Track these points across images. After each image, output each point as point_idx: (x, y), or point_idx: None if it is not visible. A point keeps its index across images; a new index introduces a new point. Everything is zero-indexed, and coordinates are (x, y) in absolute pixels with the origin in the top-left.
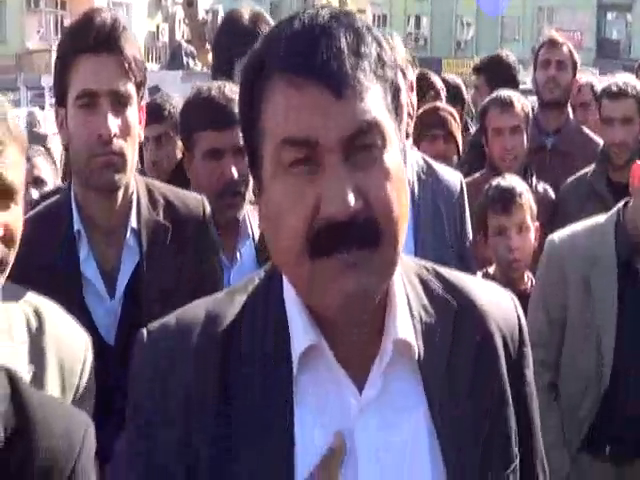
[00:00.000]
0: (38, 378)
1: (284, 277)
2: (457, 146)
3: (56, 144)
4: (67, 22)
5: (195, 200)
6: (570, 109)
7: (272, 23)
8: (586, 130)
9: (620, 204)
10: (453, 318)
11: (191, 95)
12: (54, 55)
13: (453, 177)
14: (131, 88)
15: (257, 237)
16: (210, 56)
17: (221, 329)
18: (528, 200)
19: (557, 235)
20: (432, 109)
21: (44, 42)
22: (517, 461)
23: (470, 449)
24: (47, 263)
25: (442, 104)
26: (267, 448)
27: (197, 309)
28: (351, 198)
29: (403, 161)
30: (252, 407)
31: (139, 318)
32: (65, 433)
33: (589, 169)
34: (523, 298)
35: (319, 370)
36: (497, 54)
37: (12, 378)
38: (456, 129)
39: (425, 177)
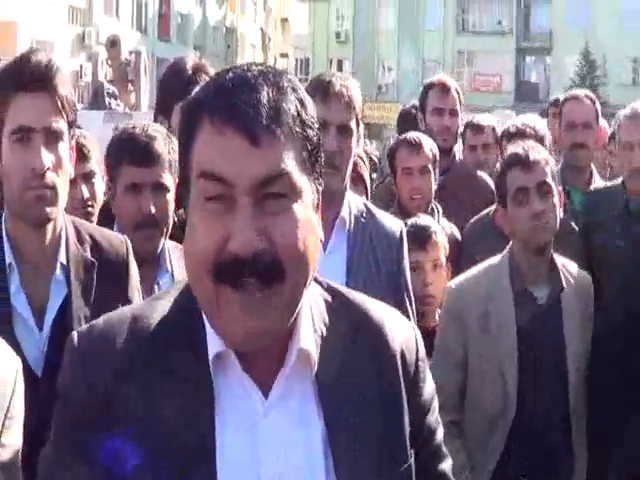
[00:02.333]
0: None
1: None
2: (365, 188)
3: None
4: None
5: (118, 239)
6: (458, 150)
7: (211, 72)
8: (473, 170)
9: (511, 242)
10: (352, 332)
11: (118, 132)
12: None
13: (393, 224)
14: (63, 125)
15: (176, 272)
16: (132, 96)
17: (144, 329)
18: (442, 239)
19: (454, 281)
20: None
21: None
22: (412, 460)
23: (363, 453)
24: None
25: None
26: (189, 447)
27: (123, 312)
28: (255, 239)
29: (342, 204)
30: (173, 406)
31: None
32: None
33: (491, 209)
34: (431, 335)
35: (229, 374)
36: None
37: None
38: (364, 171)
39: (364, 221)
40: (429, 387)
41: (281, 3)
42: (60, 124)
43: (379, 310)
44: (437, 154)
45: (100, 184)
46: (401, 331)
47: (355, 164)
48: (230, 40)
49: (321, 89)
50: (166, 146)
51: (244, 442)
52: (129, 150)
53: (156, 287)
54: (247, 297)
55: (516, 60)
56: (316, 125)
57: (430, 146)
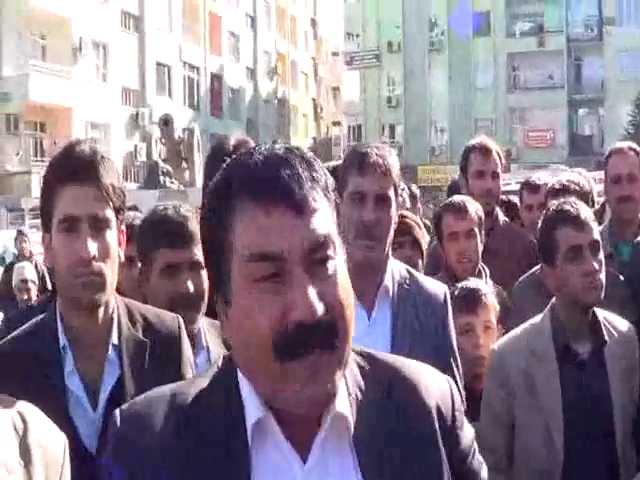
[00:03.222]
0: (27, 473)
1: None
2: (421, 252)
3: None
4: (46, 144)
5: (170, 317)
6: (498, 209)
7: None
8: (516, 229)
9: (554, 299)
10: (385, 394)
11: (148, 214)
12: (34, 177)
13: (437, 288)
14: (109, 213)
15: (212, 349)
16: (186, 174)
17: (183, 405)
18: (493, 300)
19: (497, 343)
20: (398, 217)
21: (23, 164)
22: None
23: None
24: (34, 375)
25: (407, 212)
26: None
27: (163, 390)
28: (317, 304)
29: (385, 273)
30: (212, 472)
31: None
32: None
33: (537, 268)
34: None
35: (268, 442)
36: None
37: None
38: (421, 236)
39: (408, 287)
40: (468, 432)
41: (332, 72)
42: (106, 212)
43: (411, 368)
44: (482, 216)
45: None
46: (435, 385)
47: (411, 228)
48: (282, 112)
49: (357, 161)
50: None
51: None
52: (164, 232)
53: (194, 366)
54: (313, 364)
55: (568, 113)
56: (334, 188)
57: (475, 209)
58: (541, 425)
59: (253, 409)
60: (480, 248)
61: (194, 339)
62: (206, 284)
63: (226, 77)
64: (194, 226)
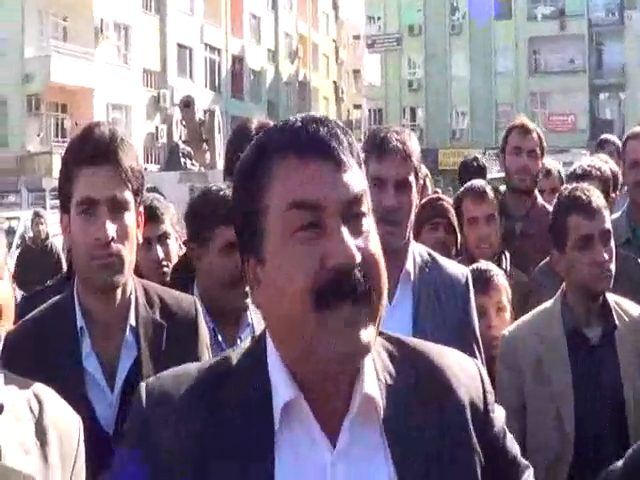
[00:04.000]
0: (43, 453)
1: (268, 341)
2: (456, 236)
3: (57, 243)
4: (67, 125)
5: (188, 300)
6: (537, 193)
7: None
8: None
9: (564, 284)
10: (415, 380)
11: (204, 192)
12: (55, 158)
13: (458, 270)
14: (128, 195)
15: (256, 327)
16: (207, 155)
17: (209, 382)
18: (504, 282)
19: (508, 329)
20: (435, 199)
21: (45, 145)
22: None
23: None
24: (51, 357)
25: (443, 196)
26: None
27: (189, 367)
28: (355, 251)
29: (407, 257)
30: (234, 457)
31: None
32: None
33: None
34: None
35: (295, 424)
36: None
37: None
38: (455, 222)
39: (428, 270)
40: (499, 414)
41: (353, 55)
42: (125, 194)
43: (439, 352)
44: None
45: (174, 245)
46: (464, 369)
47: (447, 211)
48: (303, 94)
49: (377, 146)
50: None
51: None
52: (225, 211)
53: (238, 341)
54: (350, 315)
55: (590, 98)
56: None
57: (494, 194)
58: (552, 409)
59: (283, 389)
60: (499, 232)
61: (242, 315)
62: None
63: (247, 59)
64: None
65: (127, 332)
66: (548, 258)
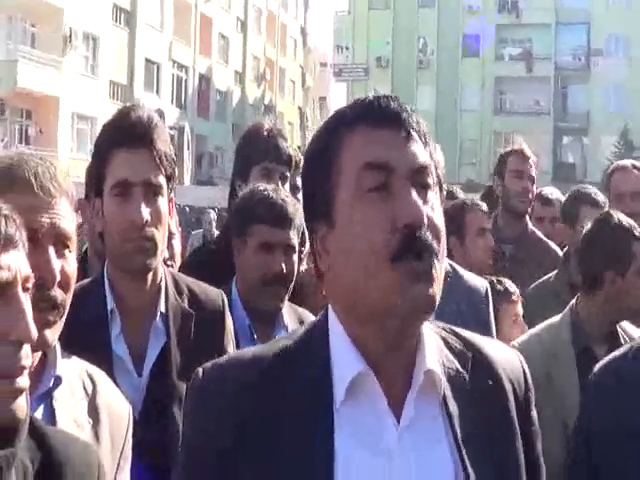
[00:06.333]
0: (95, 431)
1: (330, 318)
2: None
3: None
4: (31, 132)
5: (215, 292)
6: (527, 218)
7: (286, 136)
8: (544, 239)
9: (573, 301)
10: (469, 366)
11: (247, 192)
12: None
13: (478, 282)
14: (162, 180)
15: (290, 328)
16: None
17: (267, 363)
18: (519, 296)
19: (517, 341)
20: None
21: (8, 151)
22: None
23: (492, 474)
24: (81, 339)
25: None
26: (309, 473)
27: (245, 351)
28: (424, 208)
29: None
30: (294, 434)
31: (163, 395)
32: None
33: (552, 274)
34: None
35: (361, 398)
36: None
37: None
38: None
39: (450, 280)
40: (535, 413)
41: (319, 82)
42: (159, 179)
43: (489, 344)
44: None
45: (178, 246)
46: (510, 366)
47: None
48: (268, 118)
49: None
50: (296, 211)
51: (378, 467)
52: (265, 209)
53: None
54: (421, 267)
55: (553, 140)
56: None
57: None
58: (559, 422)
59: (351, 363)
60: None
61: (277, 316)
62: (296, 268)
63: (214, 79)
64: (292, 211)
65: (157, 318)
66: (538, 282)
